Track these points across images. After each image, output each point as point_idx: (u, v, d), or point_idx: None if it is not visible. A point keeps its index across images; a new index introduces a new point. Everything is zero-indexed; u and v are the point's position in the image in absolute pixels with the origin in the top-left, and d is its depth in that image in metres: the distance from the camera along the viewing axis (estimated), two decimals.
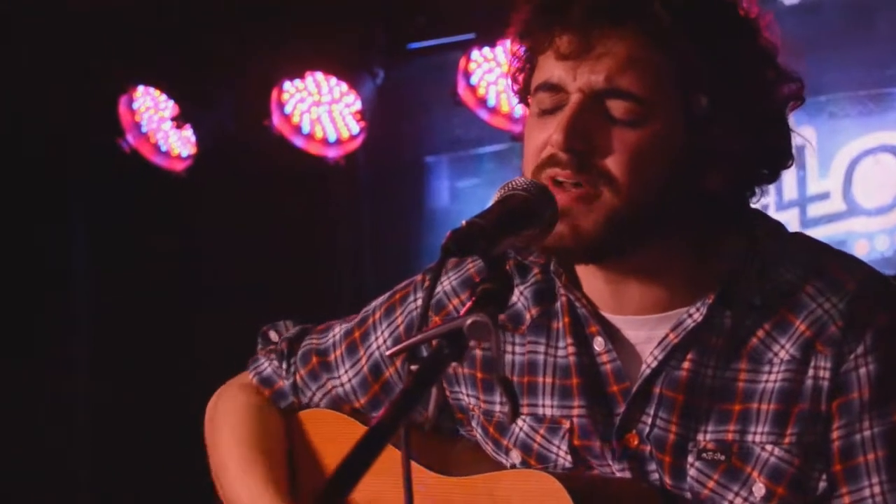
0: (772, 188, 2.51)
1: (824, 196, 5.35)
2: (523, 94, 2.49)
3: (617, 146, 2.31)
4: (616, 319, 2.48)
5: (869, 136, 5.29)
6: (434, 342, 1.88)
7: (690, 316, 2.42)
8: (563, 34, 2.34)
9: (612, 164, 2.31)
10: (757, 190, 2.46)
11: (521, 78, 2.48)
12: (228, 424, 2.81)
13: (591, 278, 2.48)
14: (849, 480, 2.36)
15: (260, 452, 2.75)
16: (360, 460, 1.71)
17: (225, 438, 2.80)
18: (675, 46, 2.31)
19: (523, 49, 2.45)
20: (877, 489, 2.35)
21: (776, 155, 2.45)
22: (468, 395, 2.64)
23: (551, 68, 2.37)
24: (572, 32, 2.33)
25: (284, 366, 2.82)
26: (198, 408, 2.93)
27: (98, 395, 6.44)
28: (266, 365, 2.85)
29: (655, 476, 2.45)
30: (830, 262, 2.45)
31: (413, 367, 1.86)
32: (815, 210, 5.36)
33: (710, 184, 2.38)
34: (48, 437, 6.29)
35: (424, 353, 1.90)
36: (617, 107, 2.32)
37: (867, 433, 2.35)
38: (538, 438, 2.54)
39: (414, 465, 2.56)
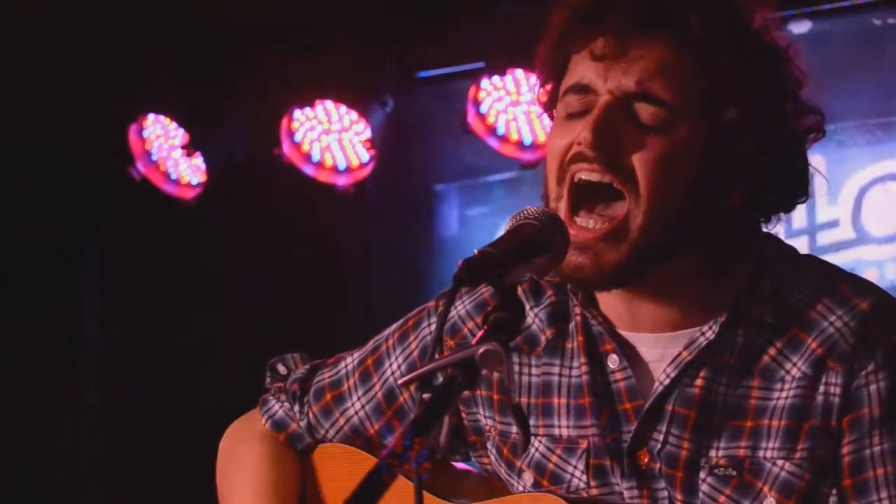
0: (781, 215, 2.53)
1: (833, 224, 5.35)
2: (549, 105, 2.53)
3: (642, 149, 2.36)
4: (632, 336, 2.50)
5: (878, 164, 5.30)
6: (447, 371, 1.89)
7: (703, 334, 2.45)
8: (598, 37, 2.39)
9: (638, 165, 2.36)
10: (773, 218, 2.50)
11: (549, 87, 2.51)
12: (242, 474, 2.79)
13: (607, 297, 2.51)
14: (858, 495, 2.40)
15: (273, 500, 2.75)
16: (370, 491, 1.71)
17: (237, 486, 2.79)
18: (706, 58, 2.36)
19: (555, 55, 2.48)
20: None
21: (794, 179, 2.48)
22: (485, 417, 2.64)
23: (583, 70, 2.41)
24: (608, 36, 2.38)
25: (297, 407, 2.80)
26: (203, 435, 2.94)
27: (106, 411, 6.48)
28: (277, 407, 2.82)
29: (664, 494, 2.46)
30: (842, 282, 2.48)
31: (426, 396, 1.87)
32: (824, 238, 5.36)
33: (730, 201, 2.42)
34: (55, 443, 6.28)
35: (437, 381, 1.91)
36: (645, 110, 2.37)
37: (877, 449, 2.39)
38: (554, 458, 2.55)
39: (426, 493, 2.57)
